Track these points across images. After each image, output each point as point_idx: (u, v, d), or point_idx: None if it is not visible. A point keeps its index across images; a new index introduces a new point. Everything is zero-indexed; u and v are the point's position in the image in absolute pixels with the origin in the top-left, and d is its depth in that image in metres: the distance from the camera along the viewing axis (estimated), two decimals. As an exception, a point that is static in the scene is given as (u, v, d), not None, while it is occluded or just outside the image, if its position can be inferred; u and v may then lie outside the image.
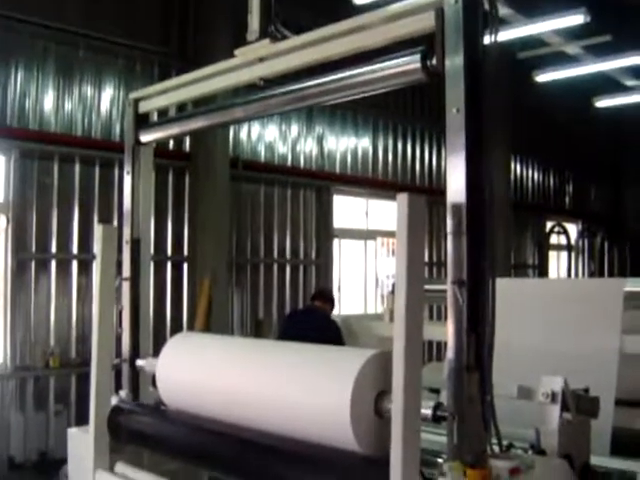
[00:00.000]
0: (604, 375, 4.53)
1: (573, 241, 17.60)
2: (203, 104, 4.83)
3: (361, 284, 11.53)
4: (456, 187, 3.01)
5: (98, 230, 4.46)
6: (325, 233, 10.63)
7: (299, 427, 3.30)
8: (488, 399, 2.96)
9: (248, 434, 3.57)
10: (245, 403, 3.57)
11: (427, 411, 2.97)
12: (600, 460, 3.99)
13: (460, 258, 2.95)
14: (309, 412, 3.22)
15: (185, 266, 8.96)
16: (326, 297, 7.42)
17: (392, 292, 6.13)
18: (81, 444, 4.45)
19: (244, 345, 4.29)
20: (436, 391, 3.38)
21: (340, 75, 3.65)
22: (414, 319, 2.81)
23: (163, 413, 4.25)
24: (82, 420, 4.75)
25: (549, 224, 17.04)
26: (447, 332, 3.00)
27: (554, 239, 17.07)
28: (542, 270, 15.96)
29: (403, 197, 2.81)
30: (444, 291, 3.09)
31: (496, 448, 3.10)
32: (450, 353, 2.93)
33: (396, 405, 2.78)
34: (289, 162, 10.55)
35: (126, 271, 4.83)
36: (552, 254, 17.16)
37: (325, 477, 3.15)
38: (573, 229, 18.14)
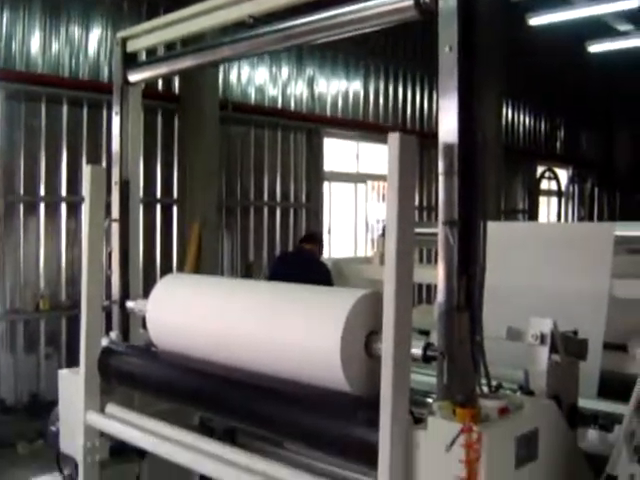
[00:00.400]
0: (593, 318, 4.55)
1: (563, 187, 17.60)
2: (192, 43, 4.75)
3: (351, 228, 11.53)
4: (448, 127, 2.98)
5: (86, 171, 4.42)
6: (315, 176, 10.59)
7: (289, 367, 3.31)
8: (478, 339, 2.96)
9: (238, 375, 3.59)
10: (235, 344, 3.58)
11: (417, 351, 2.98)
12: (588, 402, 4.02)
13: (451, 198, 2.93)
14: (299, 352, 3.23)
15: (175, 209, 8.93)
16: (315, 240, 7.38)
17: (382, 235, 6.12)
18: (72, 386, 4.47)
19: (234, 286, 4.28)
20: (426, 333, 3.40)
21: (331, 13, 3.58)
22: (405, 257, 2.80)
23: (153, 354, 4.26)
24: (73, 363, 4.75)
25: (540, 169, 17.00)
26: (437, 274, 2.99)
27: (544, 185, 17.05)
28: (532, 215, 15.98)
29: (394, 137, 2.79)
30: (435, 234, 3.08)
31: (485, 389, 3.11)
32: (440, 293, 2.93)
33: (386, 345, 2.79)
34: (279, 104, 10.45)
35: (115, 213, 4.80)
36: (542, 200, 17.16)
37: (315, 417, 3.17)
38: (564, 175, 18.12)
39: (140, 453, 4.28)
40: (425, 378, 3.44)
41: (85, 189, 4.42)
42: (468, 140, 2.98)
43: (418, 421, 2.90)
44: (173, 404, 4.19)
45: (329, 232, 10.30)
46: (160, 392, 4.12)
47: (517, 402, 2.96)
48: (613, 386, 4.57)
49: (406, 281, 2.84)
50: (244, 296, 3.78)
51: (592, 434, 3.90)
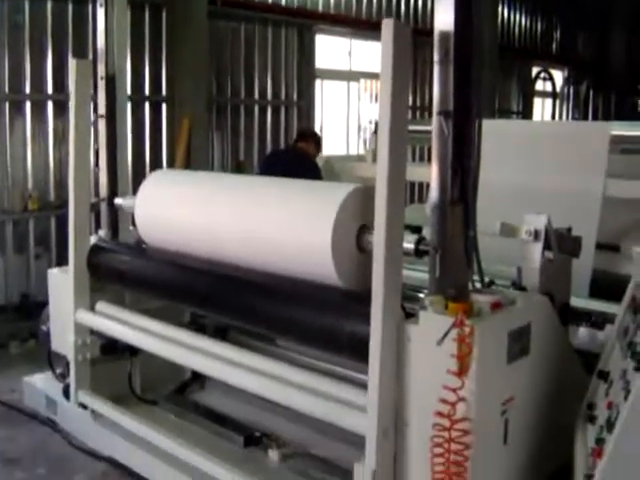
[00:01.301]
0: (587, 217, 4.52)
1: (558, 88, 17.33)
2: None
3: (343, 127, 11.37)
4: (444, 15, 2.87)
5: (73, 65, 4.29)
6: (307, 74, 10.35)
7: (280, 263, 3.27)
8: (471, 234, 2.92)
9: (230, 271, 3.56)
10: (226, 239, 3.53)
11: (409, 245, 2.94)
12: (579, 301, 4.03)
13: (447, 88, 2.84)
14: (290, 246, 3.18)
15: (164, 106, 8.74)
16: (310, 137, 7.18)
17: (375, 133, 6.01)
18: (61, 284, 4.45)
19: (225, 181, 4.20)
20: (417, 229, 3.34)
21: None
22: (397, 150, 2.73)
23: (143, 251, 4.22)
24: (63, 262, 4.71)
25: (535, 70, 16.72)
26: (431, 170, 2.92)
27: (539, 85, 16.79)
28: (526, 117, 15.75)
29: (389, 23, 2.68)
30: (428, 132, 3.01)
31: (478, 284, 3.09)
32: (434, 187, 2.87)
33: (378, 239, 2.74)
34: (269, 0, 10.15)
35: (101, 108, 4.68)
36: (537, 101, 16.92)
37: (307, 312, 3.15)
38: (559, 76, 17.83)
39: (131, 350, 4.28)
40: (417, 274, 3.41)
41: (71, 83, 4.29)
42: (464, 29, 2.87)
43: (409, 316, 2.88)
44: (164, 301, 4.17)
45: (321, 131, 10.13)
46: (150, 289, 4.10)
47: (510, 297, 2.94)
48: (605, 286, 4.57)
49: (399, 175, 2.77)
50: (235, 191, 3.70)
51: (583, 332, 3.92)
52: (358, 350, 2.89)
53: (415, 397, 2.80)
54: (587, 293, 4.48)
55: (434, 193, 2.87)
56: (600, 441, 2.48)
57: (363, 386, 2.91)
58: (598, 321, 3.78)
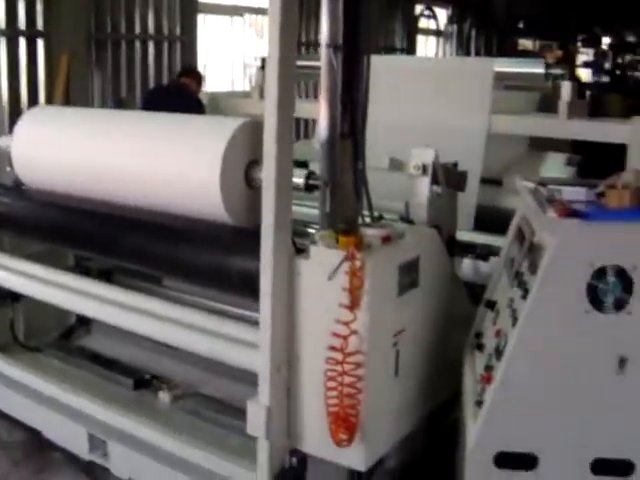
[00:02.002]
0: (471, 152, 4.58)
1: (442, 26, 17.49)
2: None
3: (227, 63, 11.14)
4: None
5: None
6: (190, 7, 10.05)
7: (167, 200, 3.17)
8: (360, 167, 2.90)
9: (114, 210, 3.43)
10: (110, 178, 3.38)
11: (299, 180, 2.91)
12: (465, 234, 4.11)
13: (336, 22, 2.78)
14: (177, 183, 3.08)
15: (40, 42, 8.33)
16: (193, 74, 7.03)
17: (262, 68, 5.89)
18: None
19: (106, 117, 4.02)
20: (304, 164, 3.30)
21: None
22: (286, 84, 2.68)
23: (22, 193, 4.03)
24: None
25: (418, 8, 16.77)
26: (320, 101, 2.88)
27: (424, 23, 16.89)
28: (410, 54, 15.84)
29: (275, -47, 2.59)
30: (316, 67, 2.96)
31: (367, 219, 3.09)
32: (323, 121, 2.82)
33: (267, 173, 2.70)
34: None
35: (-29, 42, 4.40)
36: (420, 39, 17.04)
37: (196, 250, 3.09)
38: (443, 14, 17.96)
39: (13, 296, 4.12)
40: (307, 210, 3.39)
41: None
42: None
43: (300, 251, 2.85)
44: (46, 245, 4.02)
45: (204, 68, 9.89)
46: (31, 232, 3.93)
47: (399, 231, 2.95)
48: (488, 219, 4.69)
49: (288, 109, 2.72)
50: (117, 127, 3.54)
51: (468, 264, 4.00)
52: (249, 287, 2.86)
53: (307, 332, 2.80)
54: (471, 226, 4.57)
55: (323, 127, 2.83)
56: (489, 368, 2.55)
57: (255, 323, 2.89)
58: (483, 253, 3.87)
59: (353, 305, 2.64)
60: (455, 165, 3.84)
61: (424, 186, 3.48)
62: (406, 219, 3.43)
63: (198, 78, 6.93)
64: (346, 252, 2.61)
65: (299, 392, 2.87)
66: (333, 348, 2.68)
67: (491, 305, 2.90)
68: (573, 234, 2.29)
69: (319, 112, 2.86)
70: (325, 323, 2.70)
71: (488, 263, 3.90)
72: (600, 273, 2.29)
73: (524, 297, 2.38)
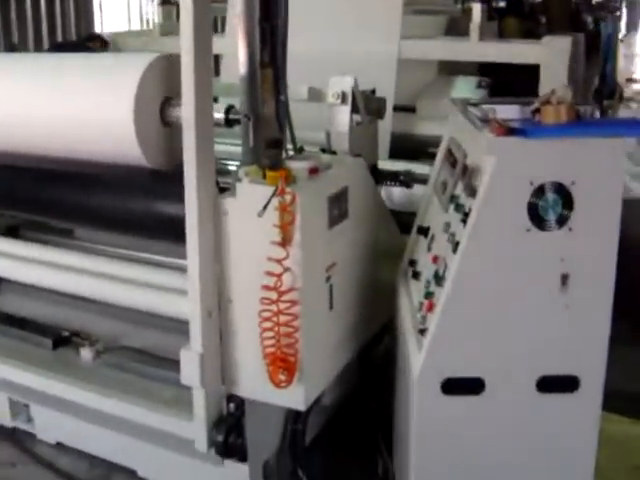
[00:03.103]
0: (384, 79, 4.48)
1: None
2: None
3: (123, 2, 10.68)
4: None
5: None
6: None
7: (78, 145, 2.91)
8: (283, 99, 2.76)
9: (20, 160, 3.17)
10: (16, 124, 3.06)
11: (219, 115, 2.74)
12: (383, 163, 4.02)
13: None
14: (88, 125, 2.83)
15: None
16: (98, 38, 6.75)
17: (163, 3, 5.63)
18: None
19: (7, 59, 3.67)
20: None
21: None
22: (202, 14, 2.50)
23: None
24: None
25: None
26: (238, 29, 2.71)
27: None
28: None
29: None
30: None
31: (291, 152, 2.96)
32: (242, 50, 2.67)
33: (187, 110, 2.53)
34: None
35: None
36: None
37: (113, 195, 2.92)
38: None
39: None
40: (227, 147, 3.23)
41: None
42: None
43: (224, 190, 2.71)
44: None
45: (100, 8, 9.46)
46: None
47: (325, 162, 2.84)
48: (403, 147, 4.63)
49: (205, 45, 2.55)
50: (20, 69, 3.20)
51: (392, 192, 3.93)
52: (172, 232, 2.71)
53: (238, 273, 2.68)
54: (387, 155, 4.50)
55: (243, 57, 2.66)
56: (429, 295, 2.48)
57: (179, 270, 2.75)
58: (406, 180, 3.79)
59: (285, 241, 2.53)
60: (373, 92, 3.74)
61: (344, 115, 3.36)
62: (328, 150, 3.32)
63: (103, 43, 6.64)
64: (275, 187, 2.48)
65: (233, 336, 2.76)
66: (266, 287, 2.57)
67: (424, 231, 2.83)
68: (512, 152, 2.22)
69: (237, 42, 2.69)
70: (256, 262, 2.58)
71: (412, 190, 3.83)
72: (540, 191, 2.23)
73: (463, 221, 2.30)
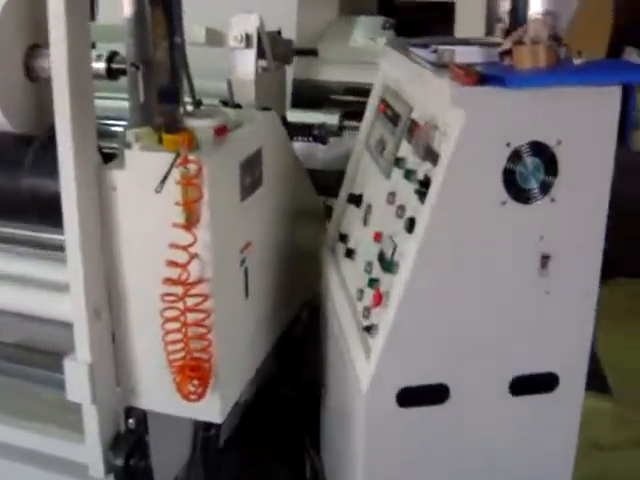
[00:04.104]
0: (284, 19, 3.91)
1: None
2: None
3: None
4: None
5: None
6: None
7: None
8: (178, 41, 2.21)
9: None
10: None
11: (99, 65, 2.18)
12: (292, 114, 3.53)
13: None
14: None
15: None
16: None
17: None
18: None
19: None
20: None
21: None
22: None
23: None
24: None
25: None
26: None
27: None
28: None
29: None
30: None
31: (190, 107, 2.41)
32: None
33: (57, 59, 1.94)
34: None
35: None
36: None
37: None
38: None
39: None
40: (111, 104, 2.66)
41: None
42: None
43: (109, 158, 2.16)
44: None
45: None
46: None
47: (234, 118, 2.31)
48: (303, 94, 4.16)
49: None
50: None
51: (305, 148, 3.44)
52: (49, 212, 2.15)
53: (133, 264, 2.15)
54: (289, 104, 4.01)
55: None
56: (374, 282, 2.01)
57: (60, 261, 2.19)
58: (321, 135, 3.30)
59: (190, 223, 2.01)
60: (279, 33, 3.23)
61: (249, 60, 2.85)
62: (230, 102, 2.80)
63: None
64: (175, 154, 1.96)
65: (129, 340, 2.24)
66: (169, 280, 2.06)
67: (356, 200, 2.35)
68: (486, 106, 1.74)
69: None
70: (155, 250, 2.06)
71: (327, 146, 3.36)
72: (518, 154, 1.79)
73: (420, 193, 1.83)
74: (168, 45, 2.15)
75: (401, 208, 1.95)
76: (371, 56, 4.14)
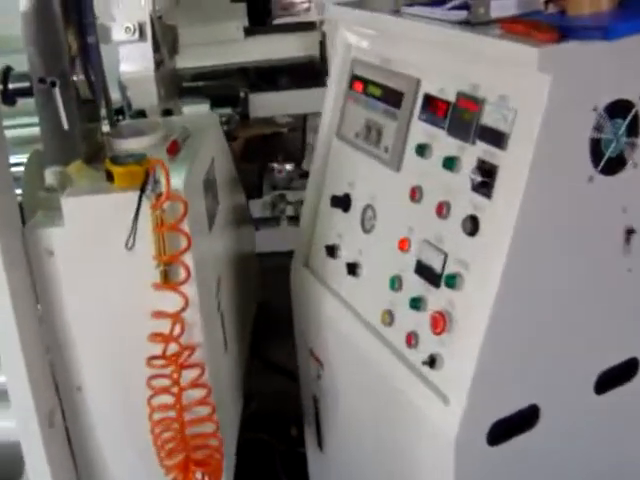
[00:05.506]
0: None
1: None
2: None
3: None
4: None
5: None
6: None
7: None
8: (92, 42, 1.64)
9: None
10: None
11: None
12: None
13: None
14: None
15: None
16: None
17: None
18: None
19: None
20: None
21: None
22: None
23: None
24: None
25: None
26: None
27: None
28: None
29: None
30: None
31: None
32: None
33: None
34: None
35: None
36: None
37: None
38: None
39: None
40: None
41: None
42: None
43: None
44: None
45: None
46: None
47: (179, 128, 1.77)
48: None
49: None
50: None
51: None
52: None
53: (93, 352, 1.59)
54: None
55: None
56: (418, 302, 1.53)
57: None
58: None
59: (167, 279, 1.48)
60: (160, 18, 2.66)
61: (146, 55, 2.30)
62: (127, 109, 2.25)
63: None
64: (139, 192, 1.41)
65: (97, 446, 1.68)
66: (153, 358, 1.52)
67: (343, 203, 1.86)
68: (576, 67, 1.30)
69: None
70: (123, 328, 1.54)
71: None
72: (603, 118, 1.37)
73: (483, 185, 1.37)
74: (81, 47, 1.58)
75: (444, 206, 1.49)
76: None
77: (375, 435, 1.86)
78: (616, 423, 1.75)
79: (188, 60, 3.73)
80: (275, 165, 3.94)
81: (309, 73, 3.98)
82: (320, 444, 2.22)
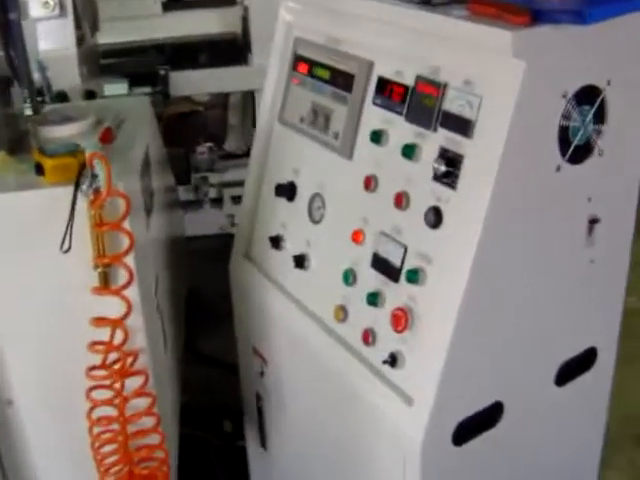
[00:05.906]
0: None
1: None
2: None
3: None
4: None
5: None
6: None
7: None
8: (13, 17, 1.47)
9: None
10: None
11: None
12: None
13: None
14: None
15: None
16: None
17: None
18: None
19: None
20: None
21: None
22: None
23: None
24: None
25: None
26: None
27: None
28: None
29: None
30: None
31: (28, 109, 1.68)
32: None
33: None
34: None
35: None
36: None
37: None
38: None
39: None
40: None
41: None
42: None
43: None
44: None
45: None
46: None
47: (110, 114, 1.62)
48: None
49: None
50: None
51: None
52: None
53: (25, 358, 1.44)
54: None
55: None
56: (375, 298, 1.43)
57: None
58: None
59: (108, 282, 1.35)
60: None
61: (67, 31, 2.12)
62: (58, 93, 2.08)
63: None
64: (74, 186, 1.27)
65: (30, 464, 1.54)
66: (96, 369, 1.39)
67: (288, 192, 1.75)
68: (548, 52, 1.19)
69: None
70: (65, 336, 1.39)
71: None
72: (572, 105, 1.29)
73: (447, 175, 1.28)
74: (1, 24, 1.42)
75: (403, 196, 1.40)
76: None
77: (326, 435, 1.76)
78: (576, 413, 1.71)
79: (106, 36, 3.56)
80: (198, 148, 3.79)
81: (231, 50, 3.85)
82: (263, 442, 2.11)
